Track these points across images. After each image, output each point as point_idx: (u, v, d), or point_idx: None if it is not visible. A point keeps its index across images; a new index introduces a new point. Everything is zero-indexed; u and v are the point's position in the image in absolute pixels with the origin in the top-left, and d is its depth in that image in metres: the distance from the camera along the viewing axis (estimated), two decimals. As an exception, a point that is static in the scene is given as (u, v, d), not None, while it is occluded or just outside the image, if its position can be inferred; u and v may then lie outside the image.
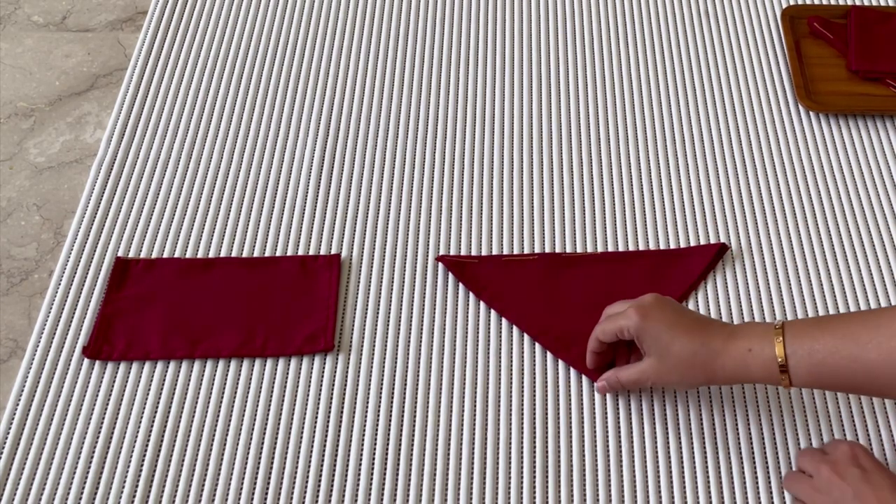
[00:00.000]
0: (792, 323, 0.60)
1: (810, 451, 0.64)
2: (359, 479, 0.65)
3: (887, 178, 0.85)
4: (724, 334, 0.61)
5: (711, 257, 0.78)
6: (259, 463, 0.66)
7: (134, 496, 0.64)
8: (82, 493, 0.64)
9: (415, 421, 0.68)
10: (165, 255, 0.77)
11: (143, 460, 0.65)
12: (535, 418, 0.69)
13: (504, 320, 0.74)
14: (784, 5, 1.01)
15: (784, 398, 0.70)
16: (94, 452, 0.65)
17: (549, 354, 0.72)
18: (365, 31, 0.97)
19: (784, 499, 0.65)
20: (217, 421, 0.67)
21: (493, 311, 0.74)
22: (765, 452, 0.67)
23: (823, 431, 0.69)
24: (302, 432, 0.67)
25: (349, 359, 0.71)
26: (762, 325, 0.61)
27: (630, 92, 0.92)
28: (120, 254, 0.77)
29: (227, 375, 0.70)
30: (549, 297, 0.75)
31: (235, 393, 0.69)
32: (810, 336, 0.58)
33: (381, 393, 0.69)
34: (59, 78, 0.93)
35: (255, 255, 0.77)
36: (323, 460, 0.66)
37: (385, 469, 0.66)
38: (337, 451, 0.66)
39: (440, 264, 0.77)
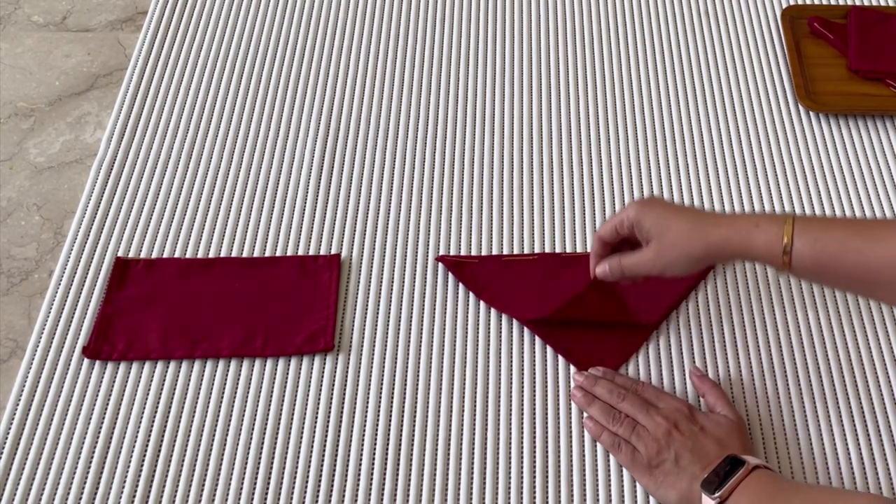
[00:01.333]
0: (803, 217, 0.60)
1: (628, 395, 0.66)
2: (359, 479, 0.65)
3: (887, 178, 0.85)
4: (726, 216, 0.63)
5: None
6: (259, 463, 0.66)
7: (134, 496, 0.64)
8: (82, 493, 0.64)
9: (415, 421, 0.68)
10: (165, 255, 0.77)
11: (143, 460, 0.65)
12: (535, 418, 0.69)
13: (504, 320, 0.74)
14: (784, 5, 1.01)
15: (786, 405, 0.70)
16: (94, 452, 0.65)
17: (549, 354, 0.72)
18: (365, 31, 0.97)
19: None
20: (217, 421, 0.67)
21: (493, 312, 0.74)
22: (764, 451, 0.67)
23: (813, 437, 0.69)
24: (302, 432, 0.67)
25: (349, 359, 0.71)
26: (771, 214, 0.62)
27: (630, 92, 0.92)
28: (120, 254, 0.77)
29: (227, 375, 0.70)
30: (549, 297, 0.75)
31: (235, 393, 0.69)
32: (820, 226, 0.59)
33: (381, 393, 0.69)
34: (59, 78, 0.93)
35: (255, 255, 0.77)
36: (323, 460, 0.66)
37: (385, 469, 0.66)
38: (337, 451, 0.66)
39: (439, 264, 0.77)
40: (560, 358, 0.72)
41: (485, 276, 0.76)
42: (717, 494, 0.57)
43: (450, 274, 0.76)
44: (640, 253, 0.64)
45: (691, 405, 0.66)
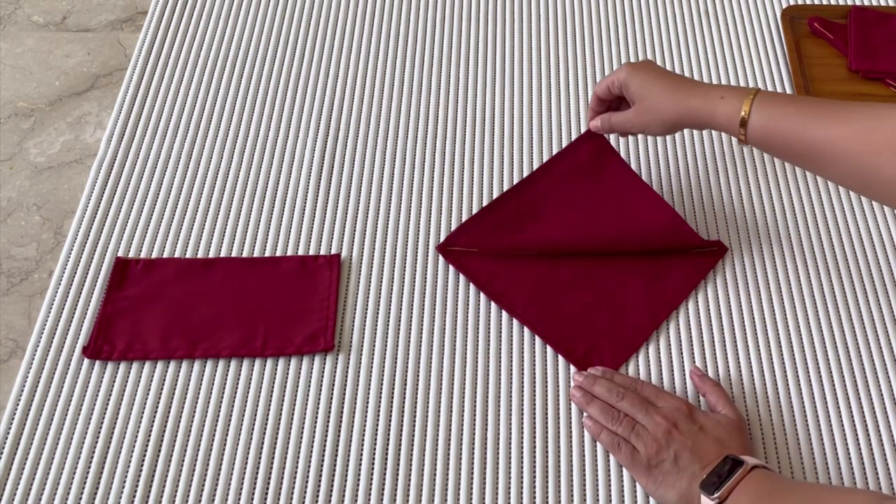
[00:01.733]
0: (768, 92, 0.66)
1: (627, 394, 0.67)
2: (359, 479, 0.65)
3: (887, 178, 0.85)
4: (702, 85, 0.70)
5: (711, 258, 0.78)
6: (259, 463, 0.66)
7: (134, 496, 0.64)
8: (82, 493, 0.64)
9: (415, 421, 0.68)
10: (165, 255, 0.77)
11: (143, 460, 0.65)
12: (535, 418, 0.69)
13: (504, 320, 0.74)
14: (784, 5, 1.01)
15: (786, 405, 0.70)
16: (94, 452, 0.66)
17: (549, 354, 0.72)
18: (365, 31, 0.97)
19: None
20: (217, 421, 0.67)
21: (493, 311, 0.74)
22: (764, 451, 0.67)
23: (813, 437, 0.69)
24: (302, 432, 0.67)
25: (349, 359, 0.71)
26: (742, 87, 0.68)
27: (630, 92, 0.92)
28: (120, 254, 0.77)
29: (227, 375, 0.70)
30: (549, 296, 0.75)
31: (235, 393, 0.69)
32: (776, 103, 0.65)
33: (381, 393, 0.69)
34: (59, 78, 0.93)
35: (255, 255, 0.77)
36: (323, 460, 0.66)
37: (385, 469, 0.66)
38: (337, 451, 0.66)
39: (440, 264, 0.77)
40: (560, 358, 0.72)
41: (484, 267, 0.76)
42: (716, 495, 0.57)
43: (450, 274, 0.76)
44: (626, 112, 0.74)
45: (691, 404, 0.66)
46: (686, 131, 0.88)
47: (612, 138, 0.86)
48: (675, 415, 0.64)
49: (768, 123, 0.64)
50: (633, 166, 0.85)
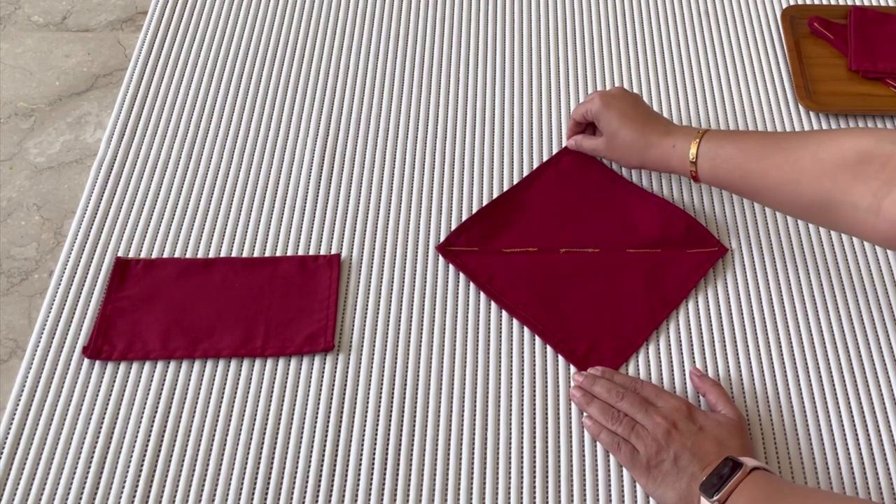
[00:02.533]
0: (712, 131, 0.72)
1: (627, 394, 0.67)
2: (359, 479, 0.65)
3: (887, 178, 0.85)
4: (661, 131, 0.75)
5: (711, 258, 0.78)
6: (259, 463, 0.66)
7: (134, 496, 0.64)
8: (82, 493, 0.64)
9: (415, 421, 0.68)
10: (165, 255, 0.77)
11: (143, 460, 0.65)
12: (535, 418, 0.69)
13: (504, 320, 0.74)
14: (784, 5, 1.01)
15: (786, 405, 0.70)
16: (94, 452, 0.66)
17: (549, 354, 0.72)
18: (365, 31, 0.97)
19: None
20: (217, 421, 0.67)
21: (493, 311, 0.74)
22: (764, 451, 0.67)
23: (813, 437, 0.69)
24: (302, 432, 0.67)
25: (349, 359, 0.71)
26: (691, 128, 0.74)
27: (630, 92, 0.92)
28: (120, 254, 0.77)
29: (227, 375, 0.70)
30: (549, 295, 0.75)
31: (235, 393, 0.69)
32: (718, 143, 0.70)
33: (381, 393, 0.69)
34: (59, 78, 0.93)
35: (255, 255, 0.77)
36: (323, 460, 0.66)
37: (385, 469, 0.66)
38: (337, 451, 0.66)
39: (440, 264, 0.77)
40: (560, 358, 0.72)
41: (486, 268, 0.76)
42: (715, 497, 0.57)
43: (450, 274, 0.76)
44: (596, 141, 0.81)
45: (691, 404, 0.66)
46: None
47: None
48: (675, 415, 0.64)
49: (713, 163, 0.70)
50: (635, 170, 0.85)
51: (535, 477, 0.66)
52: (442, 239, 0.79)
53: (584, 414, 0.68)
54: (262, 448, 0.66)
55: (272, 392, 0.69)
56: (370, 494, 0.64)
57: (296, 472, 0.65)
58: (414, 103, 0.90)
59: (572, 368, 0.71)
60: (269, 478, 0.65)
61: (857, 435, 0.68)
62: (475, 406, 0.69)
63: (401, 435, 0.67)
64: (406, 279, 0.76)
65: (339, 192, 0.82)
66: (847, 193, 0.60)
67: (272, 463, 0.66)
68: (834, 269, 0.78)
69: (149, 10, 0.97)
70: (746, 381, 0.71)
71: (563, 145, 0.86)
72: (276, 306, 0.73)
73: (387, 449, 0.67)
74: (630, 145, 0.76)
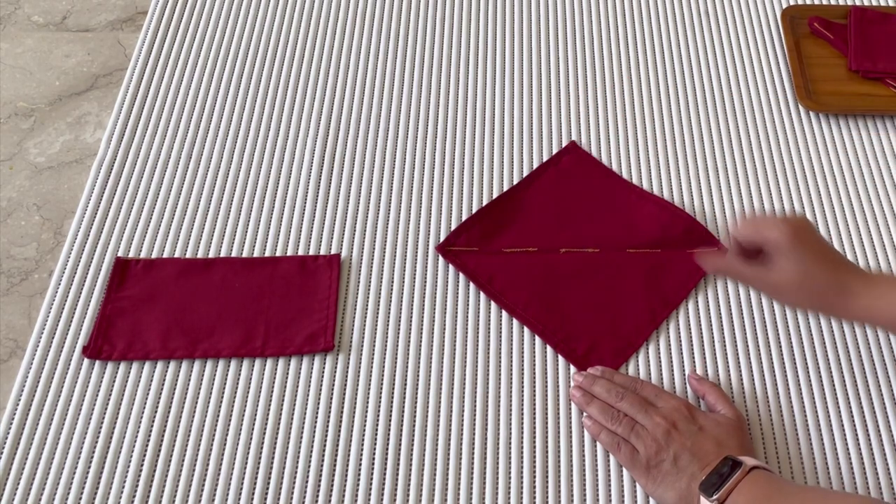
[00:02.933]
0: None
1: (627, 394, 0.67)
2: (359, 479, 0.65)
3: (887, 178, 0.85)
4: (861, 278, 0.62)
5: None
6: (259, 463, 0.66)
7: (134, 496, 0.64)
8: (82, 493, 0.64)
9: (415, 421, 0.68)
10: (165, 255, 0.77)
11: (143, 460, 0.65)
12: (535, 418, 0.69)
13: (504, 320, 0.74)
14: (784, 5, 1.01)
15: (786, 405, 0.70)
16: (94, 452, 0.65)
17: (549, 354, 0.72)
18: (365, 31, 0.97)
19: None
20: (217, 421, 0.67)
21: (493, 311, 0.74)
22: (764, 451, 0.67)
23: (813, 437, 0.69)
24: (302, 432, 0.67)
25: (349, 359, 0.71)
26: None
27: (630, 92, 0.92)
28: (120, 254, 0.77)
29: (227, 375, 0.70)
30: (549, 295, 0.75)
31: (235, 393, 0.69)
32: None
33: (381, 393, 0.69)
34: (59, 78, 0.93)
35: (255, 255, 0.77)
36: (323, 460, 0.66)
37: (385, 469, 0.66)
38: (337, 451, 0.66)
39: (440, 264, 0.77)
40: (560, 358, 0.72)
41: (484, 267, 0.76)
42: (714, 497, 0.57)
43: (450, 274, 0.76)
44: (771, 280, 0.64)
45: (690, 404, 0.66)
46: (684, 125, 0.88)
47: (602, 148, 0.86)
48: (675, 415, 0.64)
49: None
50: (635, 170, 0.85)
51: (535, 477, 0.66)
52: (442, 239, 0.79)
53: (584, 414, 0.68)
54: (262, 448, 0.66)
55: (272, 392, 0.69)
56: (370, 494, 0.64)
57: (296, 472, 0.65)
58: (414, 103, 0.90)
59: (572, 368, 0.71)
60: (269, 478, 0.65)
61: (857, 435, 0.68)
62: (475, 406, 0.69)
63: (401, 435, 0.67)
64: (406, 279, 0.76)
65: (339, 192, 0.82)
66: None
67: (272, 463, 0.66)
68: (834, 269, 0.78)
69: (149, 10, 0.97)
70: (746, 382, 0.71)
71: (564, 145, 0.86)
72: (276, 306, 0.73)
73: (387, 449, 0.67)
74: (815, 298, 0.63)
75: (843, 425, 0.69)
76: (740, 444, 0.63)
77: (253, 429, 0.67)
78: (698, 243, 0.78)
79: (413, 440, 0.67)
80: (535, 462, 0.66)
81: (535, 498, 0.65)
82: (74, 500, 0.63)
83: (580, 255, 0.77)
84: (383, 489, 0.65)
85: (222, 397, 0.69)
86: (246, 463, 0.66)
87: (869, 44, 0.94)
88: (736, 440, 0.63)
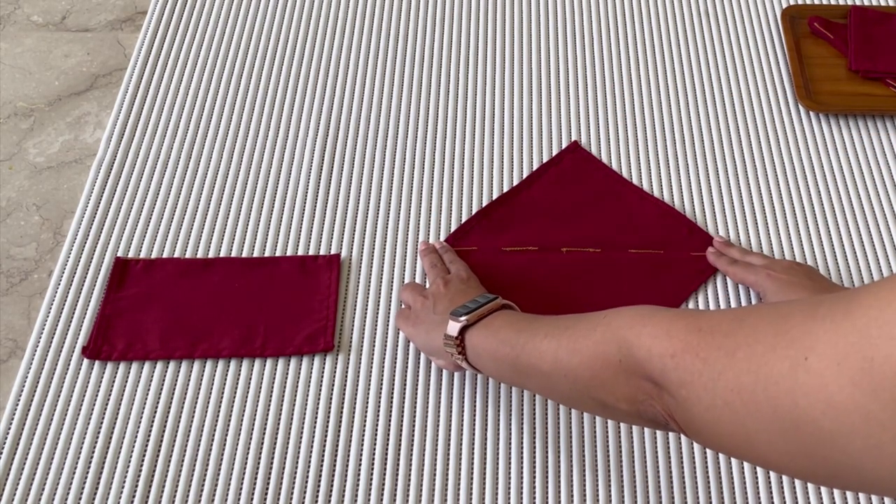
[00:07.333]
0: None
1: (411, 285, 0.73)
2: (359, 479, 0.65)
3: (887, 178, 0.85)
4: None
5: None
6: (259, 463, 0.66)
7: (134, 496, 0.64)
8: (82, 493, 0.64)
9: (415, 421, 0.68)
10: (165, 255, 0.77)
11: (143, 460, 0.65)
12: (535, 418, 0.69)
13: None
14: (784, 5, 1.01)
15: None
16: (93, 452, 0.65)
17: (549, 354, 0.72)
18: (365, 31, 0.97)
19: (784, 499, 0.65)
20: (217, 421, 0.67)
21: (493, 311, 0.74)
22: (765, 452, 0.67)
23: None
24: (302, 432, 0.67)
25: (349, 359, 0.71)
26: None
27: (630, 92, 0.92)
28: (120, 254, 0.77)
29: (227, 375, 0.70)
30: (550, 295, 0.75)
31: (235, 393, 0.69)
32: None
33: (381, 393, 0.69)
34: (59, 78, 0.93)
35: (255, 255, 0.77)
36: (323, 460, 0.66)
37: (385, 469, 0.66)
38: (337, 451, 0.66)
39: (440, 264, 0.77)
40: (560, 358, 0.72)
41: (483, 266, 0.76)
42: (463, 318, 0.59)
43: (450, 274, 0.76)
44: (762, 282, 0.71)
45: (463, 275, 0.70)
46: (684, 125, 0.88)
47: (602, 148, 0.86)
48: (448, 276, 0.70)
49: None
50: (635, 170, 0.85)
51: (535, 477, 0.66)
52: (441, 238, 0.78)
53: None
54: (262, 448, 0.66)
55: (272, 392, 0.69)
56: (370, 494, 0.64)
57: (296, 472, 0.65)
58: (414, 103, 0.90)
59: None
60: (269, 478, 0.65)
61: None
62: (475, 406, 0.69)
63: (401, 435, 0.67)
64: (406, 278, 0.76)
65: (339, 192, 0.82)
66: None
67: (272, 463, 0.66)
68: (834, 269, 0.78)
69: (148, 10, 0.97)
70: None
71: (564, 145, 0.86)
72: (276, 306, 0.73)
73: (387, 449, 0.67)
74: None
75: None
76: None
77: (253, 429, 0.67)
78: (699, 246, 0.78)
79: (413, 440, 0.67)
80: (535, 462, 0.66)
81: (534, 498, 0.65)
82: (74, 500, 0.63)
83: (581, 255, 0.77)
84: (383, 489, 0.65)
85: (222, 397, 0.69)
86: (246, 463, 0.66)
87: (869, 44, 0.94)
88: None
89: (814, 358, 0.33)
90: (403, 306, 0.73)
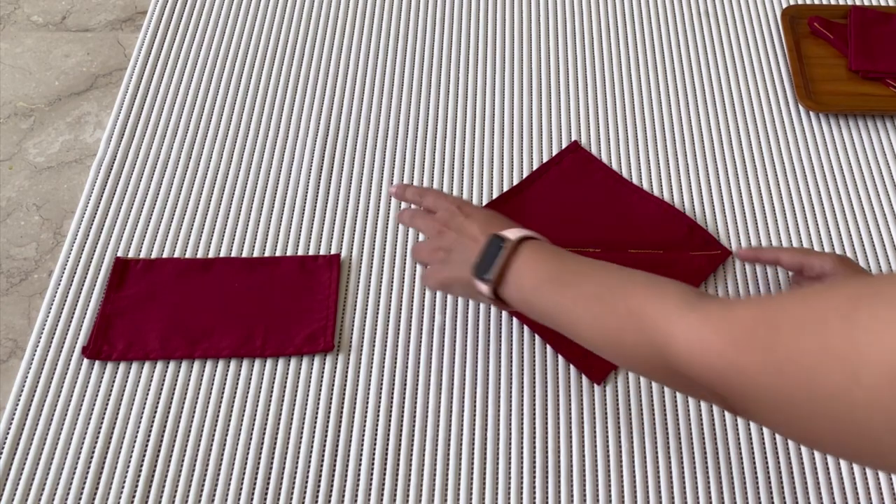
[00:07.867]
0: None
1: (419, 214, 0.67)
2: (359, 479, 0.65)
3: (887, 178, 0.85)
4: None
5: (714, 262, 0.78)
6: (259, 463, 0.66)
7: (134, 496, 0.64)
8: (82, 493, 0.64)
9: (415, 421, 0.68)
10: (165, 255, 0.77)
11: (143, 460, 0.65)
12: (535, 418, 0.69)
13: (504, 320, 0.74)
14: (784, 5, 1.01)
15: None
16: (93, 452, 0.65)
17: (549, 354, 0.72)
18: (365, 31, 0.96)
19: (784, 499, 0.65)
20: (217, 421, 0.67)
21: (492, 312, 0.74)
22: (764, 452, 0.67)
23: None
24: (302, 432, 0.67)
25: (349, 359, 0.71)
26: None
27: (630, 92, 0.92)
28: (120, 254, 0.77)
29: (226, 375, 0.70)
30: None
31: (235, 393, 0.69)
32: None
33: (381, 393, 0.69)
34: (59, 78, 0.93)
35: (255, 255, 0.77)
36: (323, 460, 0.66)
37: (385, 469, 0.66)
38: (337, 451, 0.66)
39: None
40: (560, 357, 0.72)
41: None
42: (488, 277, 0.57)
43: (450, 274, 0.76)
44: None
45: (461, 200, 0.66)
46: (684, 125, 0.88)
47: (602, 148, 0.86)
48: (445, 214, 0.65)
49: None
50: (635, 170, 0.85)
51: (535, 477, 0.66)
52: (442, 239, 0.79)
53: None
54: (262, 448, 0.66)
55: (272, 392, 0.69)
56: (370, 494, 0.64)
57: (296, 472, 0.65)
58: (414, 103, 0.90)
59: (572, 368, 0.71)
60: (269, 478, 0.65)
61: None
62: (475, 406, 0.69)
63: (401, 435, 0.67)
64: (406, 279, 0.76)
65: (339, 192, 0.82)
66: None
67: (272, 463, 0.66)
68: (834, 269, 0.78)
69: (148, 10, 0.97)
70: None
71: (564, 145, 0.86)
72: (275, 306, 0.73)
73: (387, 449, 0.67)
74: None
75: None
76: (504, 223, 0.63)
77: (253, 429, 0.67)
78: (701, 246, 0.78)
79: (413, 440, 0.67)
80: (535, 462, 0.66)
81: (535, 498, 0.65)
82: (74, 500, 0.63)
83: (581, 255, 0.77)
84: (383, 489, 0.65)
85: (222, 397, 0.69)
86: (246, 463, 0.66)
87: (869, 44, 0.94)
88: (501, 221, 0.63)
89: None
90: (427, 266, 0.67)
